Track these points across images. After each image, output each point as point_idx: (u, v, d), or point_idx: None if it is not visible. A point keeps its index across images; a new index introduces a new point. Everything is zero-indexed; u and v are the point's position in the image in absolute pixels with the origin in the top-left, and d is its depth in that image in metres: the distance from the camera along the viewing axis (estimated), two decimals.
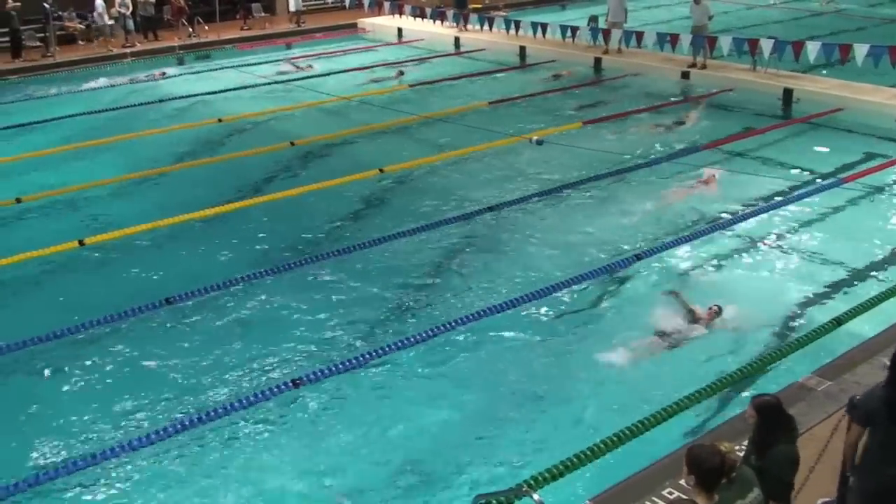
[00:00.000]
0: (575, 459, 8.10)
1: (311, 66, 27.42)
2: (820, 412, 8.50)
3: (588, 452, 8.20)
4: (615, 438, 8.41)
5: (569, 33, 26.53)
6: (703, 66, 23.98)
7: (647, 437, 8.54)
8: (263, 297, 12.11)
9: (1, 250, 13.42)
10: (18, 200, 15.86)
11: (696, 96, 22.75)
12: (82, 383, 10.18)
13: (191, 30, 31.16)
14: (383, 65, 27.35)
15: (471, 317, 11.24)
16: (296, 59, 28.82)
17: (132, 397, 9.82)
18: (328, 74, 25.93)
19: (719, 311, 11.18)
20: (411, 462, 8.74)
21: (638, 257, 12.93)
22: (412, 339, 10.72)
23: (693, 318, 11.16)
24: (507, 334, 11.02)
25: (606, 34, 25.81)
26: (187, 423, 9.21)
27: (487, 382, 10.07)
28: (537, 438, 9.07)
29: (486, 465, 8.67)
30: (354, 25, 34.22)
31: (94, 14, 29.64)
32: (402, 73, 26.17)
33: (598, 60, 26.23)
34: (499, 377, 10.17)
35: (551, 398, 9.74)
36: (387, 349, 10.53)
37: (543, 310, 11.57)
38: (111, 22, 29.21)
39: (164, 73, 26.97)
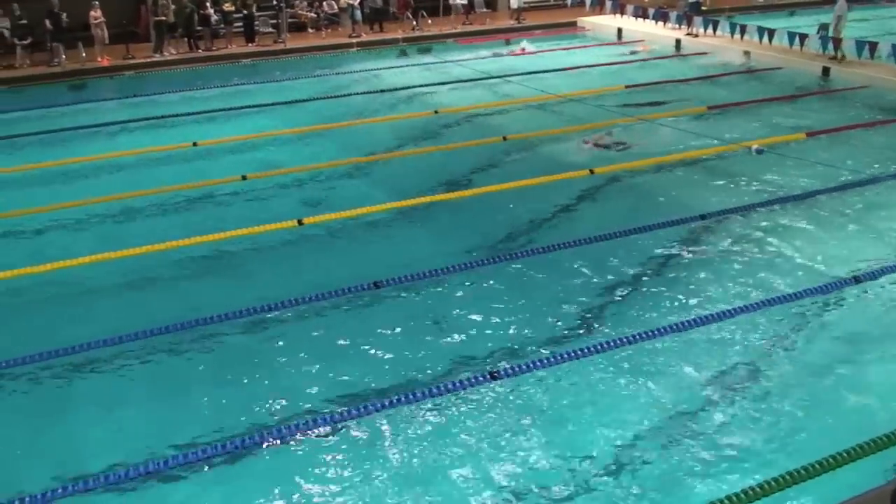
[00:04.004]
0: (766, 486, 7.79)
1: (528, 62, 27.57)
2: None
3: (782, 479, 7.88)
4: (815, 466, 8.06)
5: (797, 40, 25.52)
6: None
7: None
8: (467, 288, 12.24)
9: (226, 224, 14.23)
10: (244, 178, 16.72)
11: None
12: (285, 354, 10.64)
13: (414, 23, 31.98)
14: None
15: (676, 326, 10.95)
16: (513, 55, 29.08)
17: (331, 375, 10.15)
18: (545, 71, 25.94)
19: None
20: (607, 465, 8.61)
21: (857, 279, 12.27)
22: (614, 342, 10.53)
23: None
24: (711, 344, 10.69)
25: (836, 43, 24.62)
26: (386, 403, 9.43)
27: (689, 388, 9.79)
28: (733, 453, 8.77)
29: (684, 475, 8.46)
30: (574, 24, 34.12)
31: (324, 4, 30.96)
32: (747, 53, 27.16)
33: (825, 70, 25.08)
34: (703, 382, 9.90)
35: (755, 410, 9.38)
36: (587, 350, 10.37)
37: (756, 323, 11.16)
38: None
39: (523, 50, 29.58)
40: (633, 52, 29.49)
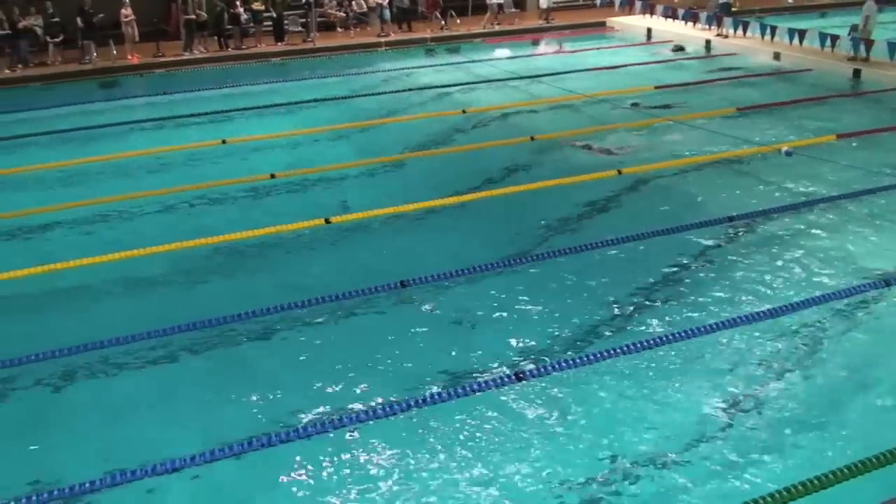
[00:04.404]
0: (794, 489, 7.74)
1: (556, 62, 27.53)
2: None
3: (810, 483, 7.82)
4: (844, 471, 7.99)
5: (828, 42, 25.32)
6: None
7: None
8: (492, 288, 12.20)
9: (254, 222, 14.29)
10: (273, 176, 16.80)
11: None
12: (311, 353, 10.64)
13: (443, 22, 32.00)
14: None
15: (702, 328, 10.86)
16: (541, 55, 29.06)
17: (355, 375, 10.13)
18: (574, 71, 25.89)
19: None
20: (629, 467, 8.56)
21: (887, 283, 12.14)
22: (638, 345, 10.44)
23: None
24: (739, 346, 10.60)
25: (868, 44, 24.39)
26: (412, 403, 9.42)
27: (716, 390, 9.70)
28: (760, 457, 8.71)
29: (708, 478, 8.42)
30: (603, 24, 34.02)
31: (353, 3, 31.07)
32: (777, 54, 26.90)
33: (856, 72, 24.85)
34: (731, 385, 9.80)
35: (781, 414, 9.31)
36: (611, 352, 10.28)
37: (782, 325, 11.07)
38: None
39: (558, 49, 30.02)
40: (678, 50, 29.23)
